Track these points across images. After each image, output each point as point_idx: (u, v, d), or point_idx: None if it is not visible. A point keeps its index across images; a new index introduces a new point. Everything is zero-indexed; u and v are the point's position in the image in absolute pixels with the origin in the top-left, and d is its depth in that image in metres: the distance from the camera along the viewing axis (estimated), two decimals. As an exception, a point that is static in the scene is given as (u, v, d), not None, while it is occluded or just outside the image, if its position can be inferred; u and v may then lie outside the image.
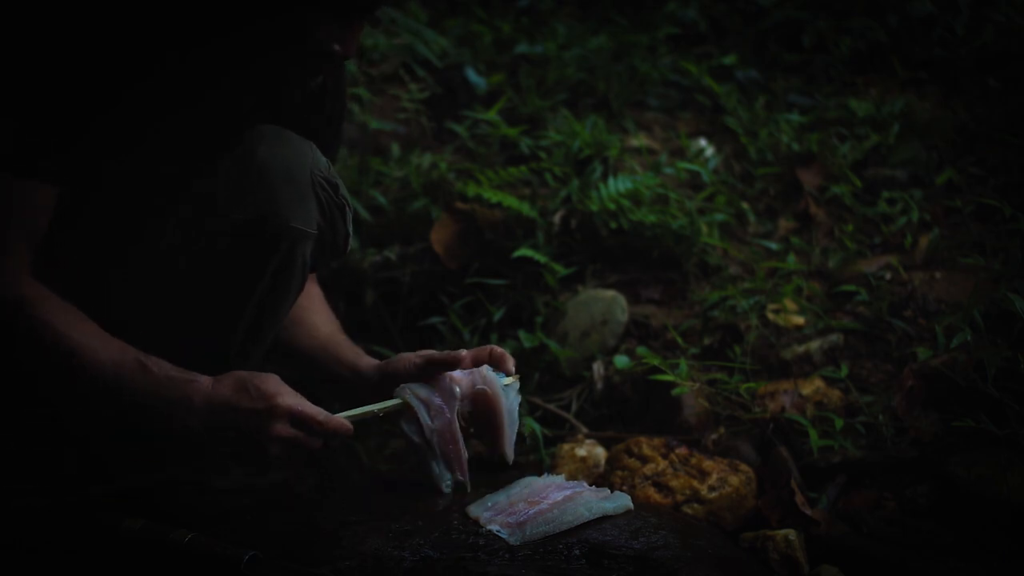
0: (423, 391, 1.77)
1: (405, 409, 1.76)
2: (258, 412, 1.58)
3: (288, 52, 1.58)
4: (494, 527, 1.68)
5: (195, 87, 1.66)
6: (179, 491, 1.84)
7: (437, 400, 1.77)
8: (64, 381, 1.60)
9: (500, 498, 1.76)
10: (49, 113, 1.54)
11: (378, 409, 1.75)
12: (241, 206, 1.66)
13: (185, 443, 1.65)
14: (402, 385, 1.78)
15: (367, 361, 1.92)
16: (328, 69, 1.75)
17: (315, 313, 2.00)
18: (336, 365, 1.93)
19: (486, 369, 1.79)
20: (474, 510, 1.73)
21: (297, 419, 1.60)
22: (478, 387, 1.78)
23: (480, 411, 1.79)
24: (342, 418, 1.66)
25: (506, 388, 1.80)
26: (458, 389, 1.77)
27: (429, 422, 1.76)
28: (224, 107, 1.71)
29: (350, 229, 1.79)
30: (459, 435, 1.77)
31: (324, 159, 1.73)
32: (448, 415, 1.76)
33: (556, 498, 1.74)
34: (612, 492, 1.78)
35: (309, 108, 1.84)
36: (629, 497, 1.77)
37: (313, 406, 1.63)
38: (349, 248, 1.83)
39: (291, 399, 1.60)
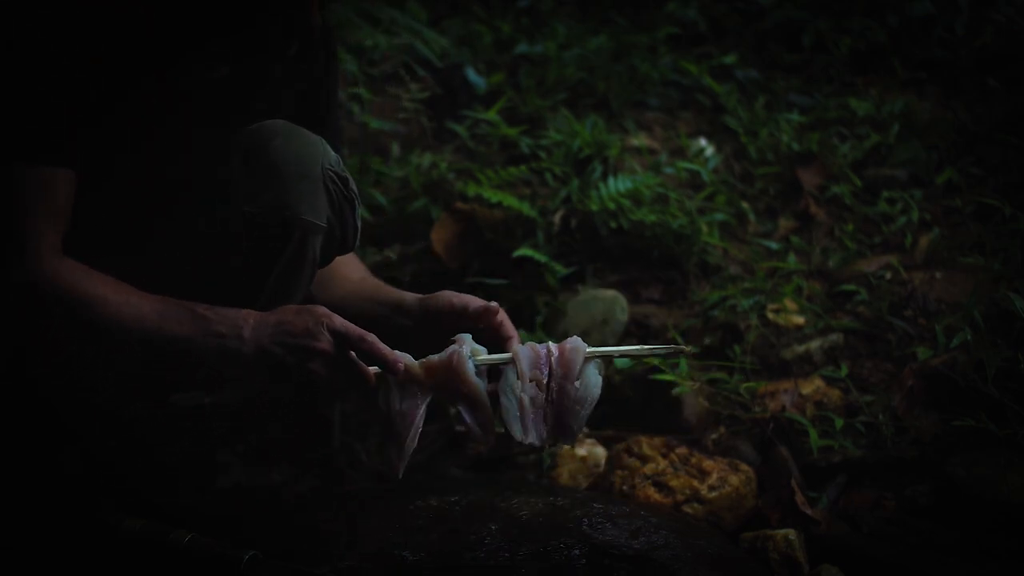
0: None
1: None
2: (308, 328, 1.59)
3: (254, 26, 1.61)
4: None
5: (177, 76, 1.68)
6: (179, 491, 1.84)
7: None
8: (104, 339, 1.60)
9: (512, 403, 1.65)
10: (61, 102, 1.56)
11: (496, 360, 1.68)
12: (254, 198, 1.68)
13: (230, 382, 1.69)
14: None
15: (408, 295, 1.92)
16: (311, 57, 1.81)
17: (343, 265, 1.99)
18: (373, 303, 1.93)
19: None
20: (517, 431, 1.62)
21: (343, 337, 1.60)
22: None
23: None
24: (396, 353, 1.64)
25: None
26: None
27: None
28: (210, 92, 1.73)
29: (359, 223, 1.82)
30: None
31: (334, 154, 1.76)
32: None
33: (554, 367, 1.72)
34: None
35: (308, 101, 1.87)
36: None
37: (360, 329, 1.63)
38: (357, 243, 1.85)
39: (339, 319, 1.62)
